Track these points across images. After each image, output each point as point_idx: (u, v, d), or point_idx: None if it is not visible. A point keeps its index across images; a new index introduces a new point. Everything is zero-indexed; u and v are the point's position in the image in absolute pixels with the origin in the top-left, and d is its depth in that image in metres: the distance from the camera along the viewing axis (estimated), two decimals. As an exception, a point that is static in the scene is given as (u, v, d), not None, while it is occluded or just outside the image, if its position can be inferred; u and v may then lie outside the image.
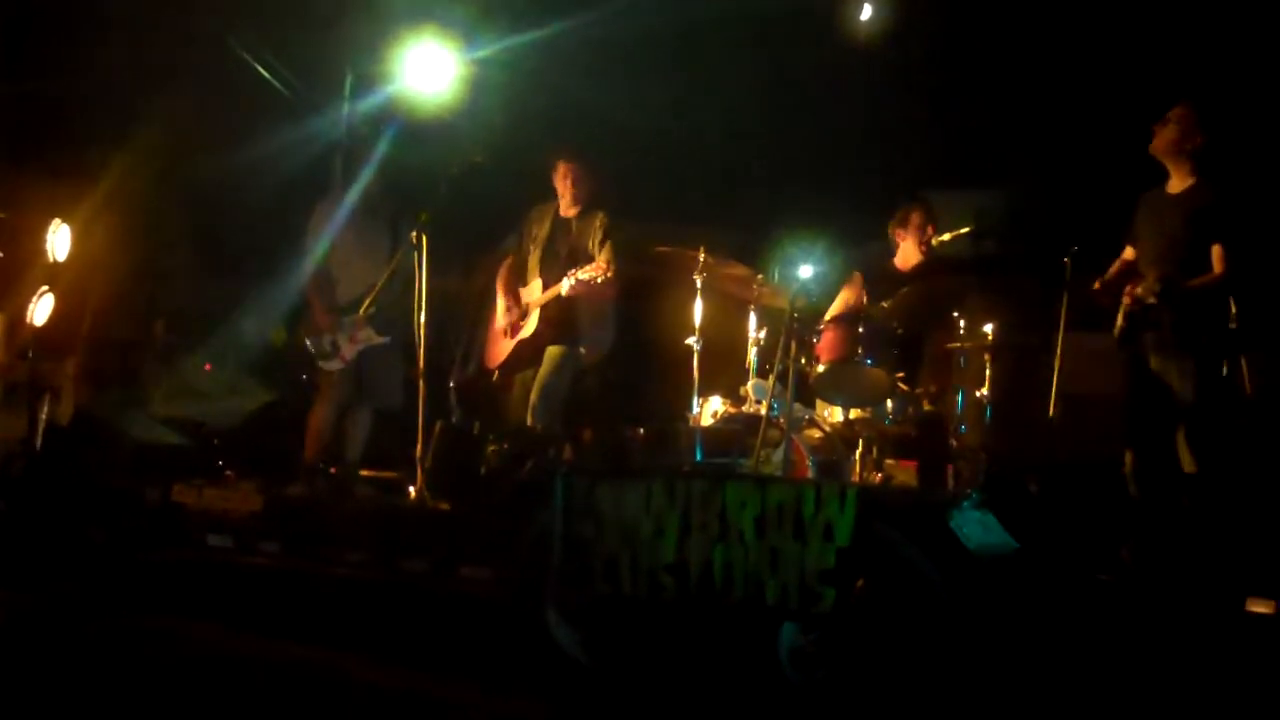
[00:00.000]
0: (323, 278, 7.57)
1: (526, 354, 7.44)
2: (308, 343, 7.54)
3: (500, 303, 7.61)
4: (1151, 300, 5.86)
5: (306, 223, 7.63)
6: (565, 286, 7.11)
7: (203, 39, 8.59)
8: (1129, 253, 6.27)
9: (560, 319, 7.32)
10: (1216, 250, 5.86)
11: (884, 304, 6.83)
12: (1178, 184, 6.07)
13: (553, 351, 7.37)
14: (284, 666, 5.13)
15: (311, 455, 7.51)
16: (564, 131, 8.11)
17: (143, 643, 5.38)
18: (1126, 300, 5.99)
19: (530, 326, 7.39)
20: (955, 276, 7.06)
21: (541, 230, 7.57)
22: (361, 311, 7.36)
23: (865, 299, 7.04)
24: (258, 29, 8.79)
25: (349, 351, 7.50)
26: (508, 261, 7.66)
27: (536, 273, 7.51)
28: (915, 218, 7.17)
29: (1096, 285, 6.20)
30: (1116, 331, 6.08)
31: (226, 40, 8.72)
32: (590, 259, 7.24)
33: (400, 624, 5.64)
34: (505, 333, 7.53)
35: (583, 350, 7.41)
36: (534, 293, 7.45)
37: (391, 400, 7.66)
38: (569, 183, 7.48)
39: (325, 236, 7.58)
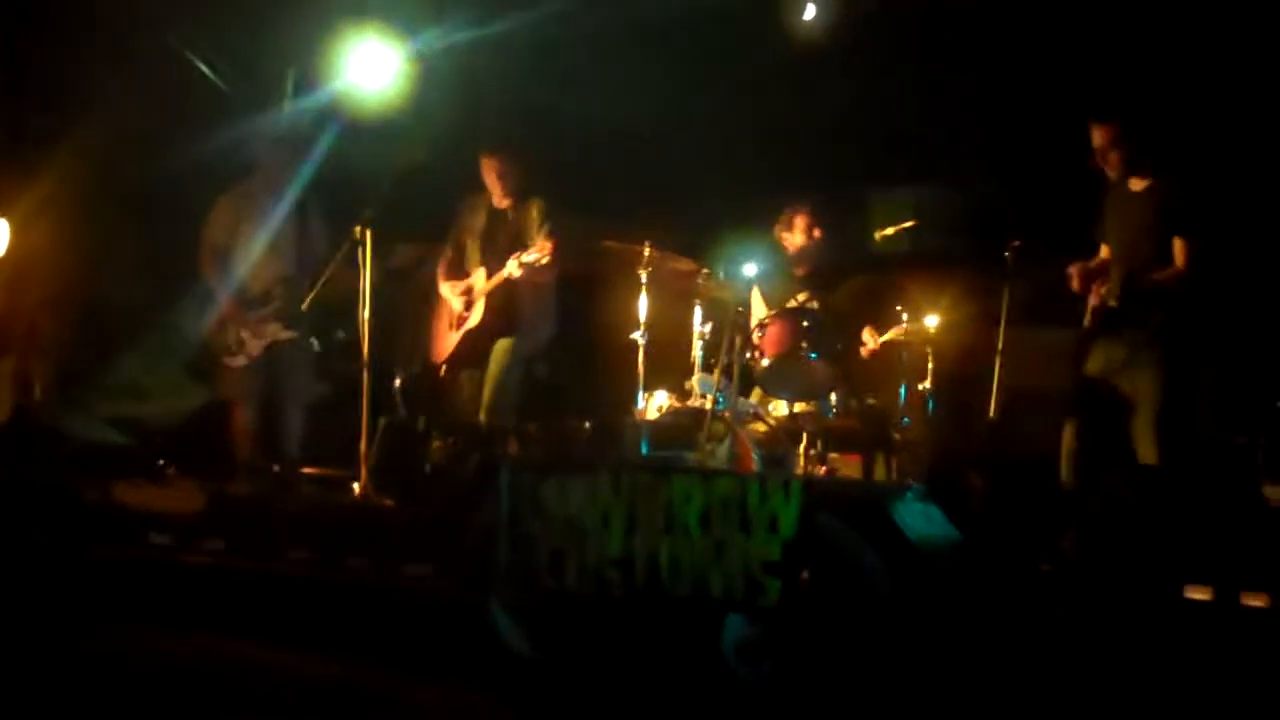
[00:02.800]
0: (227, 272, 7.52)
1: (473, 346, 7.43)
2: (212, 338, 7.51)
3: (445, 295, 7.58)
4: (1113, 304, 5.92)
5: (208, 215, 7.61)
6: (512, 268, 7.10)
7: (144, 35, 8.50)
8: (1104, 251, 6.29)
9: (505, 308, 7.32)
10: (1178, 244, 5.90)
11: (827, 297, 6.87)
12: (1137, 182, 6.12)
13: (501, 346, 7.35)
14: (227, 663, 5.10)
15: (244, 453, 7.47)
16: (509, 127, 8.10)
17: (83, 642, 5.33)
18: (1093, 300, 6.05)
19: (476, 316, 7.38)
20: (896, 269, 7.10)
21: (476, 222, 7.55)
22: (305, 306, 7.34)
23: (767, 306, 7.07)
24: (199, 25, 8.71)
25: (255, 348, 7.46)
26: (446, 255, 7.64)
27: (478, 264, 7.49)
28: (800, 220, 7.17)
29: (1073, 274, 6.16)
30: (1086, 325, 6.12)
31: (168, 36, 8.64)
32: (528, 245, 7.23)
33: (345, 621, 5.62)
34: (451, 325, 7.51)
35: (528, 339, 7.40)
36: (479, 282, 7.43)
37: (306, 396, 7.65)
38: (496, 177, 7.45)
39: (227, 230, 7.56)
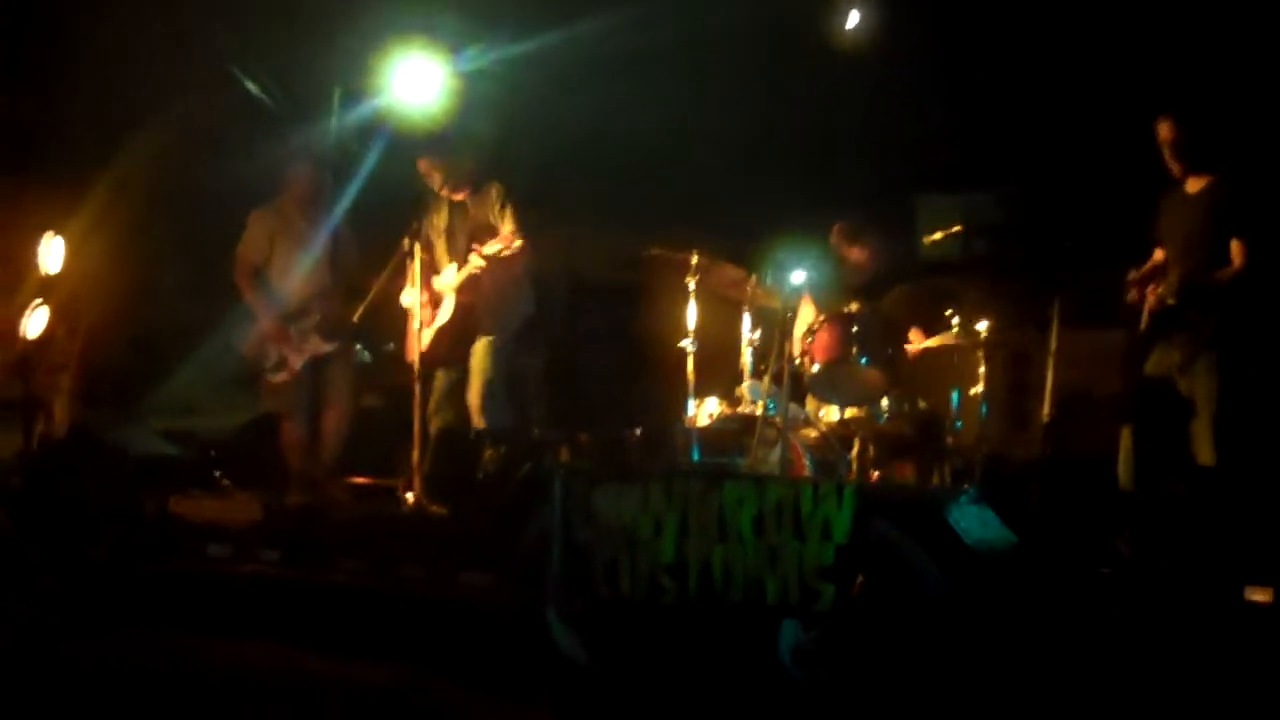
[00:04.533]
0: (263, 289, 7.58)
1: (446, 343, 7.36)
2: (253, 355, 7.56)
3: (407, 301, 7.43)
4: (1171, 301, 5.89)
5: (244, 233, 7.65)
6: (476, 261, 7.05)
7: (192, 53, 8.59)
8: (1159, 254, 6.24)
9: (475, 302, 7.28)
10: (1235, 245, 5.85)
11: (877, 303, 6.86)
12: (1195, 183, 6.07)
13: (479, 347, 7.31)
14: (284, 672, 5.13)
15: (297, 466, 7.51)
16: (553, 141, 8.12)
17: (143, 654, 5.38)
18: (1150, 300, 6.01)
19: (447, 312, 7.32)
20: (947, 275, 7.09)
21: (439, 218, 7.50)
22: (356, 318, 7.39)
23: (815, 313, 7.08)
24: (247, 43, 8.79)
25: (296, 362, 7.49)
26: (419, 257, 7.39)
27: (446, 260, 7.45)
28: (871, 240, 7.25)
29: (1130, 281, 6.16)
30: (1142, 328, 6.08)
31: (216, 55, 8.72)
32: (493, 231, 7.18)
33: (401, 630, 5.65)
34: (423, 324, 7.33)
35: (503, 331, 7.34)
36: (448, 278, 7.37)
37: (355, 406, 7.69)
38: (437, 176, 7.41)
39: (260, 247, 7.60)
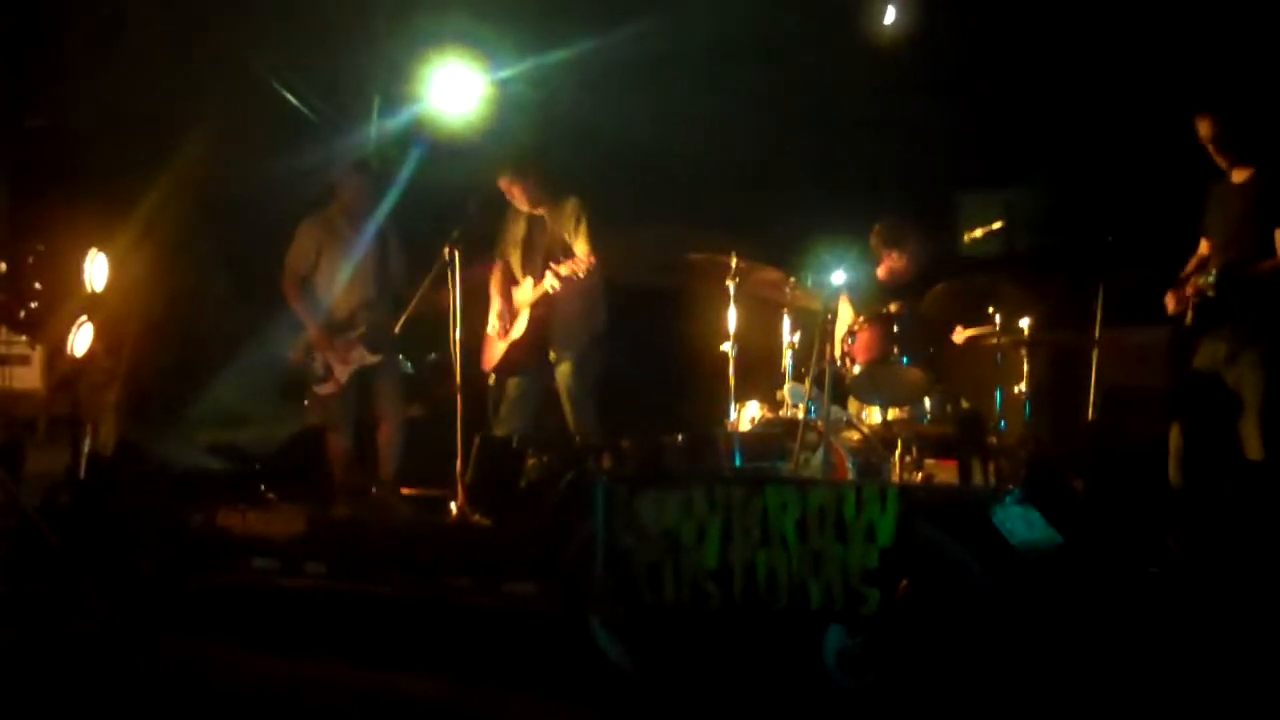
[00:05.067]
0: (311, 299, 7.62)
1: (519, 355, 7.49)
2: (302, 363, 7.62)
3: (494, 305, 7.63)
4: (1211, 293, 5.82)
5: (290, 243, 7.72)
6: (550, 281, 7.12)
7: (231, 67, 8.64)
8: (1204, 246, 6.18)
9: (549, 316, 7.37)
10: (1279, 235, 5.78)
11: (917, 302, 6.82)
12: (1239, 174, 6.01)
13: (563, 372, 7.44)
14: (333, 686, 5.15)
15: (342, 478, 7.55)
16: (590, 146, 8.12)
17: (190, 668, 5.41)
18: (1190, 292, 5.95)
19: (520, 326, 7.44)
20: (988, 272, 7.04)
21: (517, 230, 7.59)
22: (398, 328, 7.42)
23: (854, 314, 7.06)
24: (285, 55, 8.84)
25: (342, 374, 7.53)
26: (498, 266, 7.68)
27: (522, 273, 7.54)
28: (910, 244, 7.32)
29: (1180, 279, 6.11)
30: (1187, 322, 6.01)
31: (255, 67, 8.77)
32: (567, 248, 7.26)
33: (447, 640, 5.66)
34: (498, 335, 7.56)
35: (579, 345, 7.45)
36: (525, 292, 7.48)
37: (399, 417, 7.71)
38: (518, 194, 7.49)
39: (308, 258, 7.66)
